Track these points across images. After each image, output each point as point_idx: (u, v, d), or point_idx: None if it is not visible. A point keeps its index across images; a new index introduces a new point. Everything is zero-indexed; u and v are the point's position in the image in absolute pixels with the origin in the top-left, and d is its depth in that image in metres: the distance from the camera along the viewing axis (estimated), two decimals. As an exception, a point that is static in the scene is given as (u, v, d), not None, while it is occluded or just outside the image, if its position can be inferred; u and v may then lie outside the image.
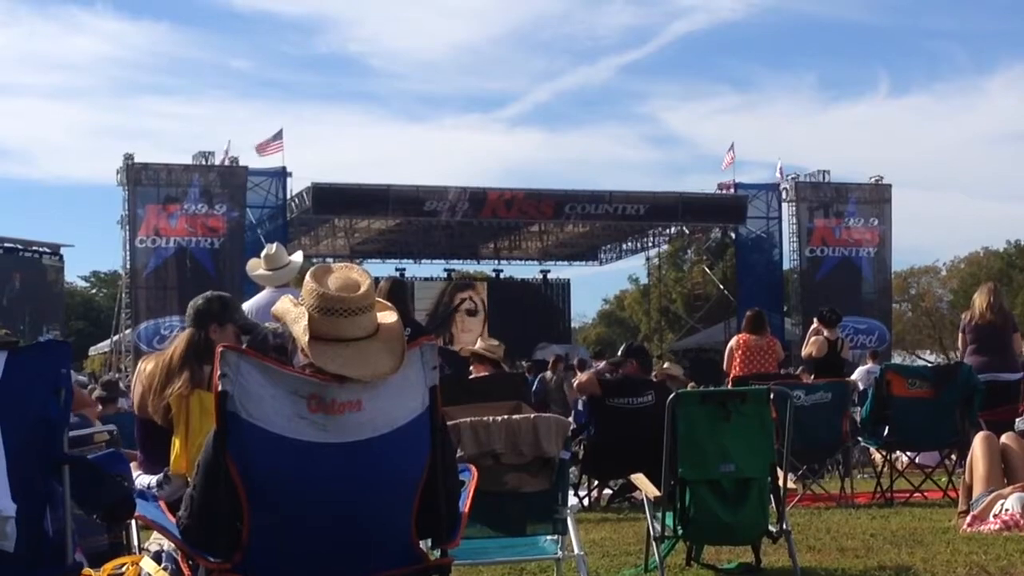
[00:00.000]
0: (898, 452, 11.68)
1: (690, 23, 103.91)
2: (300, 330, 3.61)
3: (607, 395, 11.19)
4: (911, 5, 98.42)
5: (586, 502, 11.10)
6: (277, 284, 9.02)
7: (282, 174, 34.01)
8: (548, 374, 20.74)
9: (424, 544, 3.83)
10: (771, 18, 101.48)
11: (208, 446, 3.58)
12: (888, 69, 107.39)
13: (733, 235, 39.38)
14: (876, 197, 37.68)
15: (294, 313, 3.69)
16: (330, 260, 33.37)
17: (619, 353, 12.67)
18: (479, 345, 10.77)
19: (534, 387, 18.68)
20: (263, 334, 6.17)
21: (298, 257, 9.46)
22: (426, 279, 41.81)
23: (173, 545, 4.34)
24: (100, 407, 12.76)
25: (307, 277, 3.70)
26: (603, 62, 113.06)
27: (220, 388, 3.47)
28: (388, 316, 3.75)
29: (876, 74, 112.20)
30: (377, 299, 3.77)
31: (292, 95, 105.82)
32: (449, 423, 5.24)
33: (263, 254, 9.25)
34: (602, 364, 13.79)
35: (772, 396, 6.94)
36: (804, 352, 14.39)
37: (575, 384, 11.85)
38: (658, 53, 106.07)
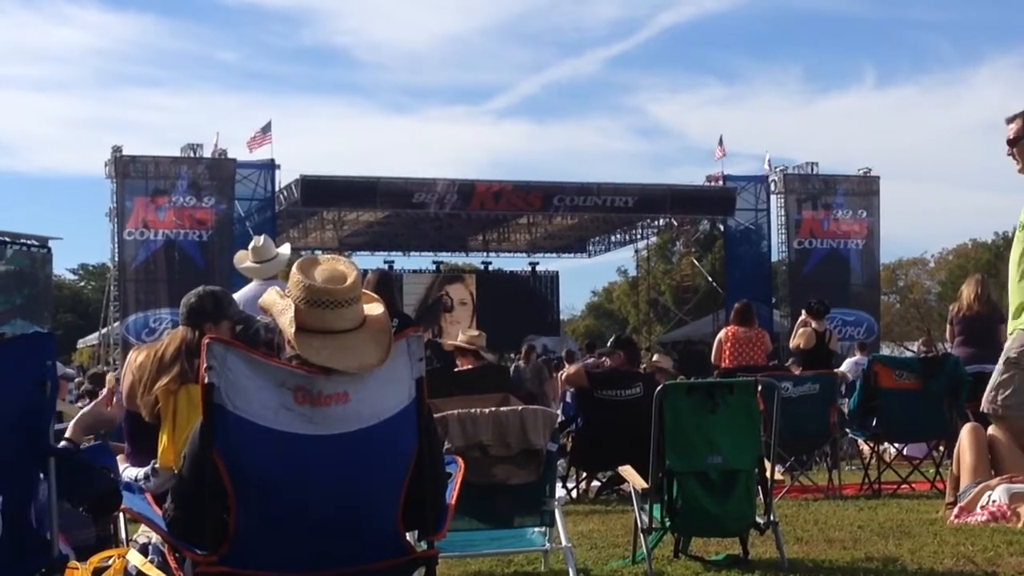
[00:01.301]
0: (886, 443, 11.70)
1: (676, 15, 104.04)
2: (286, 322, 3.61)
3: (595, 387, 11.19)
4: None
5: (574, 494, 11.10)
6: (265, 276, 8.99)
7: (271, 166, 33.96)
8: (522, 364, 20.76)
9: (411, 536, 3.83)
10: (757, 10, 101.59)
11: (194, 438, 3.58)
12: (874, 61, 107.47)
13: (722, 227, 39.40)
14: (864, 189, 37.73)
15: (280, 305, 3.70)
16: (319, 253, 33.36)
17: (608, 345, 12.68)
18: (460, 338, 10.78)
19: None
20: (255, 328, 6.15)
21: (286, 249, 9.44)
22: (415, 271, 41.77)
23: (160, 538, 4.34)
24: (88, 400, 12.76)
25: (293, 269, 3.71)
26: (590, 54, 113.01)
27: (206, 380, 3.47)
28: (375, 308, 3.75)
29: (862, 66, 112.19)
30: (364, 291, 3.77)
31: (278, 87, 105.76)
32: (437, 415, 5.24)
33: (251, 246, 9.22)
34: (590, 358, 13.81)
35: (760, 387, 6.94)
36: (792, 344, 14.41)
37: (563, 376, 11.87)
38: (645, 45, 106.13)
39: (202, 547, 3.58)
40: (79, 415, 4.68)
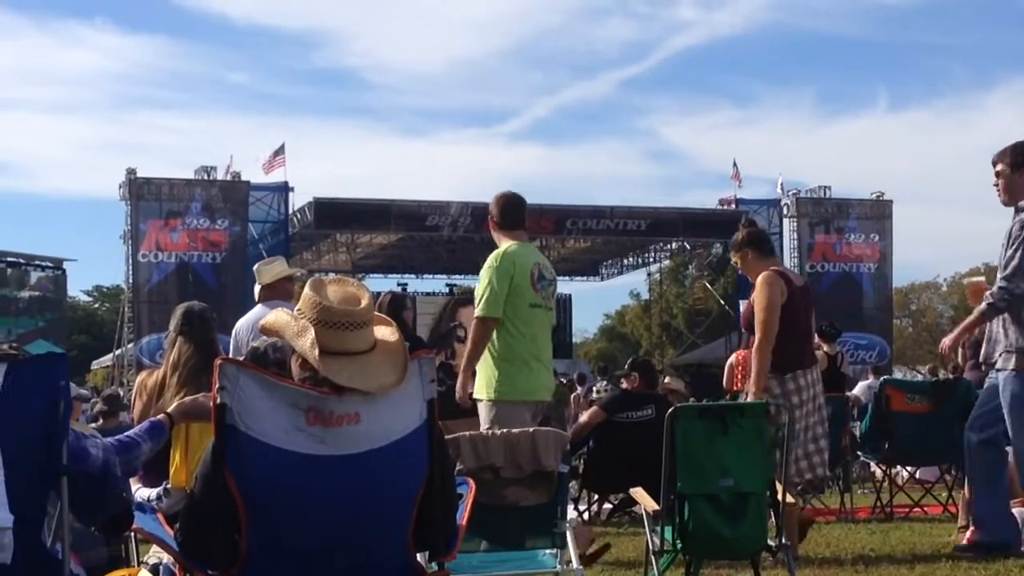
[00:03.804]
0: (898, 467, 11.68)
1: (689, 38, 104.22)
2: (308, 344, 3.58)
3: (610, 413, 11.21)
4: (909, 21, 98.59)
5: (586, 516, 11.10)
6: (262, 300, 8.87)
7: (284, 189, 34.06)
8: None
9: (421, 557, 3.84)
10: (770, 33, 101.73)
11: (207, 458, 3.58)
12: (887, 84, 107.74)
13: (734, 250, 39.32)
14: (877, 213, 37.67)
15: (296, 327, 3.66)
16: (331, 275, 33.36)
17: (625, 367, 12.66)
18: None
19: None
20: (263, 349, 6.19)
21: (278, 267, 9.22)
22: (428, 294, 41.78)
23: (171, 558, 4.35)
24: (102, 420, 12.80)
25: (307, 290, 3.68)
26: (602, 77, 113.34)
27: (219, 401, 3.47)
28: (386, 330, 3.76)
29: (875, 90, 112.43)
30: (375, 313, 3.78)
31: (291, 109, 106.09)
32: (448, 437, 5.25)
33: (256, 268, 9.17)
34: (603, 381, 13.77)
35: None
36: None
37: (583, 422, 11.76)
38: (657, 68, 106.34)
39: (213, 567, 3.59)
40: (181, 401, 4.73)
